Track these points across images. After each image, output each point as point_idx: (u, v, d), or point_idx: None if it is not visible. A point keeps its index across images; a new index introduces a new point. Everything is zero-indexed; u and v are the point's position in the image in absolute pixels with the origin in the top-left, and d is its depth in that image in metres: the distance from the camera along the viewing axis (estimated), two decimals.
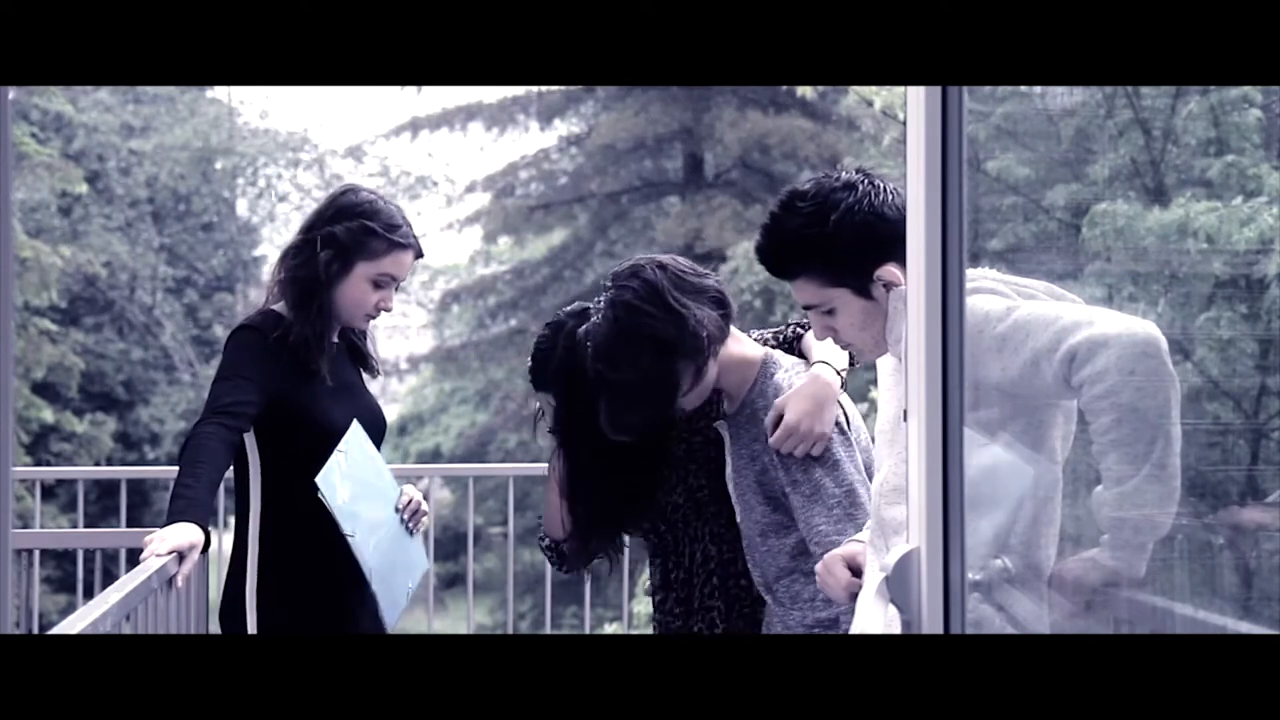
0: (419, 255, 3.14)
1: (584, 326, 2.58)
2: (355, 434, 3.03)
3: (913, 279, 1.66)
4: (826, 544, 2.40)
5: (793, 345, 2.72)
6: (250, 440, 3.01)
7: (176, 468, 2.97)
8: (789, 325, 2.76)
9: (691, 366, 2.48)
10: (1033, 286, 2.15)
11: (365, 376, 3.26)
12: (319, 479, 2.88)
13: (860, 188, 2.24)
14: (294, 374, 3.01)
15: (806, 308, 2.35)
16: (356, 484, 2.99)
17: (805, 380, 2.48)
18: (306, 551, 3.00)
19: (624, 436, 2.55)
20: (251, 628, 2.99)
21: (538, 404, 2.89)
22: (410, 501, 3.13)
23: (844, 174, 2.29)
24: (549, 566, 5.29)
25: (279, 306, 3.07)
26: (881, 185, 2.26)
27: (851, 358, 2.58)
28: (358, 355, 3.22)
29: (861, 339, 2.29)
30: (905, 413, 2.05)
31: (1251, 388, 3.73)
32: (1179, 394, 1.92)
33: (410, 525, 3.12)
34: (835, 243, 2.23)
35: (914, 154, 1.64)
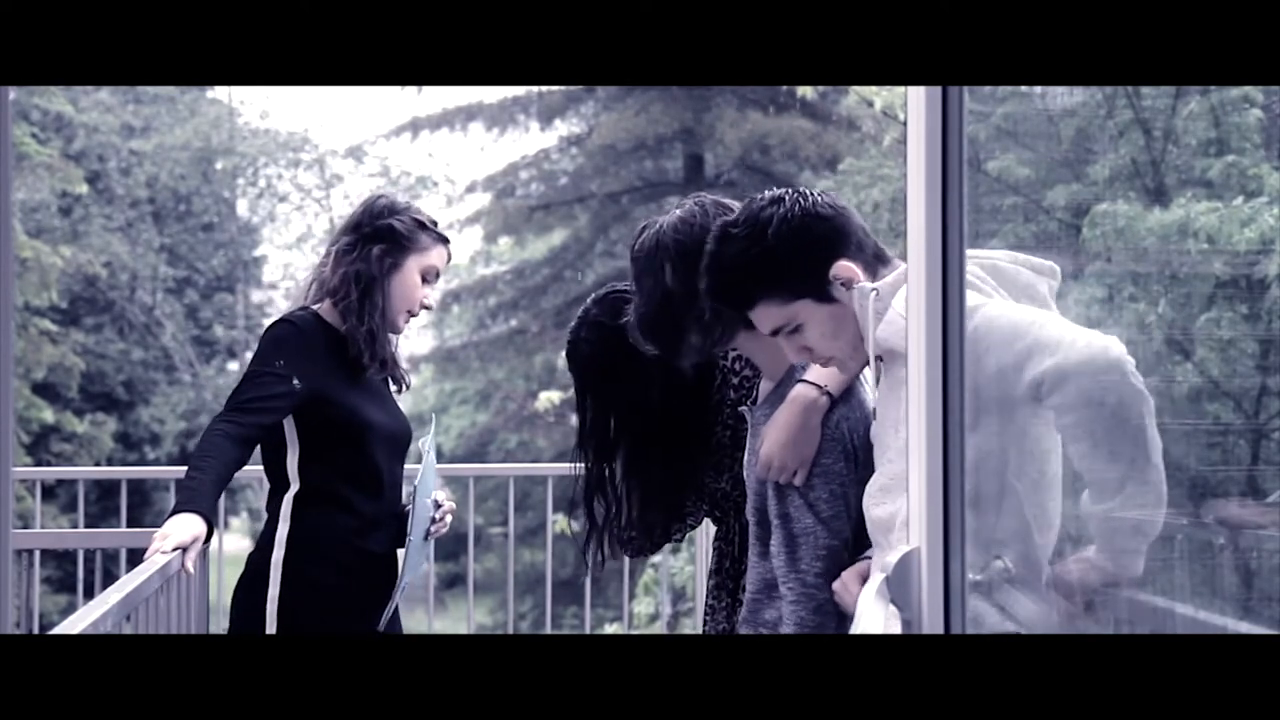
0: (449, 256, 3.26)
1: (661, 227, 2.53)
2: (432, 436, 3.17)
3: (913, 279, 1.66)
4: (803, 593, 2.36)
5: None
6: (290, 425, 3.05)
7: (178, 467, 3.04)
8: None
9: (696, 334, 2.46)
10: (995, 256, 2.16)
11: (393, 388, 3.32)
12: (416, 487, 3.03)
13: (787, 198, 2.26)
14: (333, 371, 3.06)
15: (774, 333, 2.29)
16: (424, 489, 3.11)
17: (783, 406, 2.44)
18: (335, 531, 3.05)
19: (651, 347, 2.50)
20: (273, 597, 3.01)
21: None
22: (443, 505, 3.21)
23: (768, 192, 2.30)
24: (549, 566, 5.33)
25: (319, 308, 3.11)
26: (808, 192, 2.28)
27: None
28: (384, 367, 3.27)
29: (836, 348, 2.25)
30: (875, 411, 2.07)
31: (1251, 388, 3.73)
32: (1151, 404, 1.91)
33: (433, 529, 3.18)
34: (780, 253, 2.21)
35: (914, 154, 1.64)
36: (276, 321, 3.13)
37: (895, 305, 2.11)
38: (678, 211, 2.51)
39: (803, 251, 2.21)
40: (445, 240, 3.20)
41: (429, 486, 3.14)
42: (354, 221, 3.16)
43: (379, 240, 3.10)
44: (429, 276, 3.16)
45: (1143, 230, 4.79)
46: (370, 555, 3.06)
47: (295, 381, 3.00)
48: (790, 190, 2.28)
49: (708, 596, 2.75)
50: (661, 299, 2.44)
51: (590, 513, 2.71)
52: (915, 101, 1.63)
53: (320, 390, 3.03)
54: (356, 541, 3.05)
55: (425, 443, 3.13)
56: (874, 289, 2.13)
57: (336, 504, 3.06)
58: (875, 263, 2.23)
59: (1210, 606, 1.97)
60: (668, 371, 2.59)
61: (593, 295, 2.72)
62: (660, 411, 2.64)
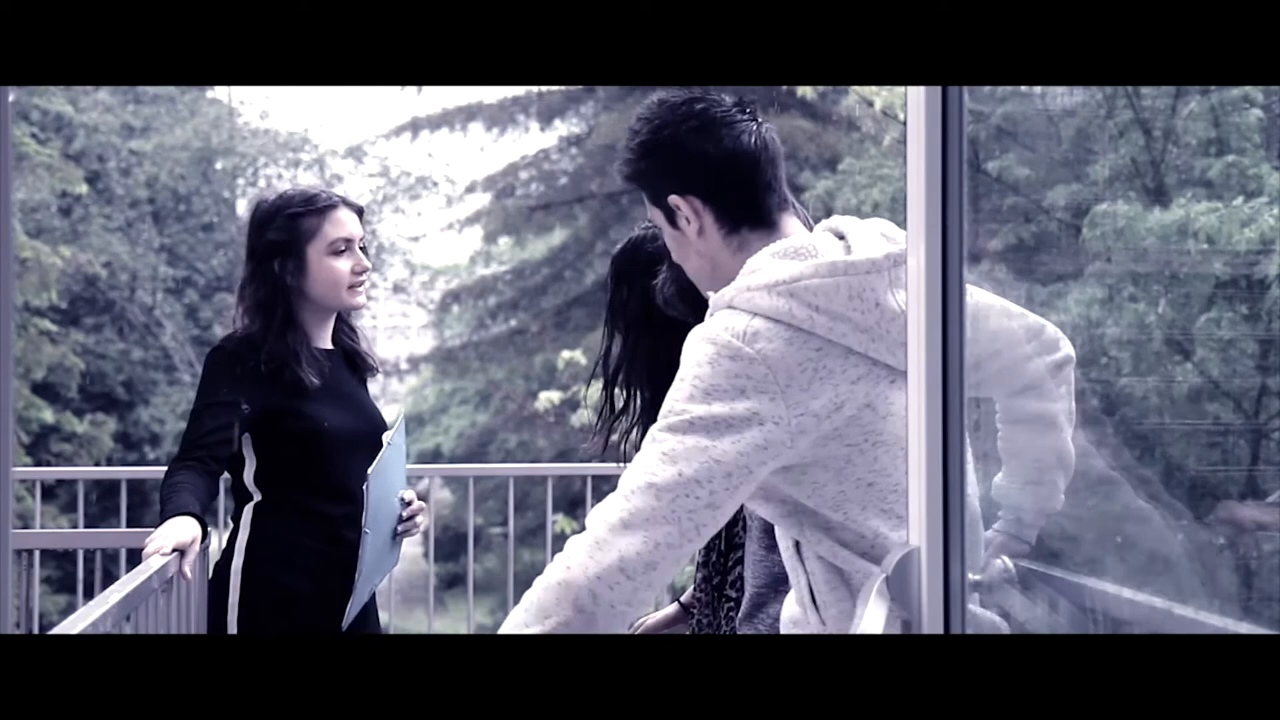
0: (359, 211, 3.14)
1: None
2: (400, 427, 3.09)
3: (912, 279, 1.66)
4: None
5: None
6: (245, 441, 3.03)
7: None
8: None
9: None
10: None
11: (368, 380, 3.27)
12: (371, 473, 2.91)
13: (706, 104, 2.09)
14: (278, 385, 3.01)
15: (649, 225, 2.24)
16: (386, 480, 3.03)
17: None
18: (296, 537, 3.03)
19: (670, 308, 2.48)
20: (234, 604, 3.00)
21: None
22: (413, 504, 3.14)
23: (718, 95, 2.15)
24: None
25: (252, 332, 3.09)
26: (744, 115, 2.08)
27: None
28: (353, 361, 3.22)
29: (688, 271, 2.16)
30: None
31: (1252, 388, 3.73)
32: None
33: (400, 528, 3.12)
34: (642, 158, 2.10)
35: (914, 154, 1.64)
36: (212, 350, 3.11)
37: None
38: None
39: (658, 164, 2.09)
40: (332, 206, 3.08)
41: (393, 484, 3.07)
42: (248, 248, 3.11)
43: (273, 256, 3.05)
44: (340, 249, 3.06)
45: (1143, 230, 4.78)
46: (335, 559, 3.02)
47: (243, 405, 2.98)
48: (730, 103, 2.11)
49: (695, 589, 2.76)
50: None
51: (611, 397, 2.69)
52: (915, 101, 1.63)
53: (270, 405, 3.00)
54: (319, 546, 3.02)
55: (388, 436, 3.06)
56: (711, 298, 2.01)
57: (297, 511, 3.03)
58: (741, 220, 2.06)
59: (1210, 607, 1.97)
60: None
61: (649, 223, 2.71)
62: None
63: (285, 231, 3.05)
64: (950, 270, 1.63)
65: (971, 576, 1.69)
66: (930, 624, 1.60)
